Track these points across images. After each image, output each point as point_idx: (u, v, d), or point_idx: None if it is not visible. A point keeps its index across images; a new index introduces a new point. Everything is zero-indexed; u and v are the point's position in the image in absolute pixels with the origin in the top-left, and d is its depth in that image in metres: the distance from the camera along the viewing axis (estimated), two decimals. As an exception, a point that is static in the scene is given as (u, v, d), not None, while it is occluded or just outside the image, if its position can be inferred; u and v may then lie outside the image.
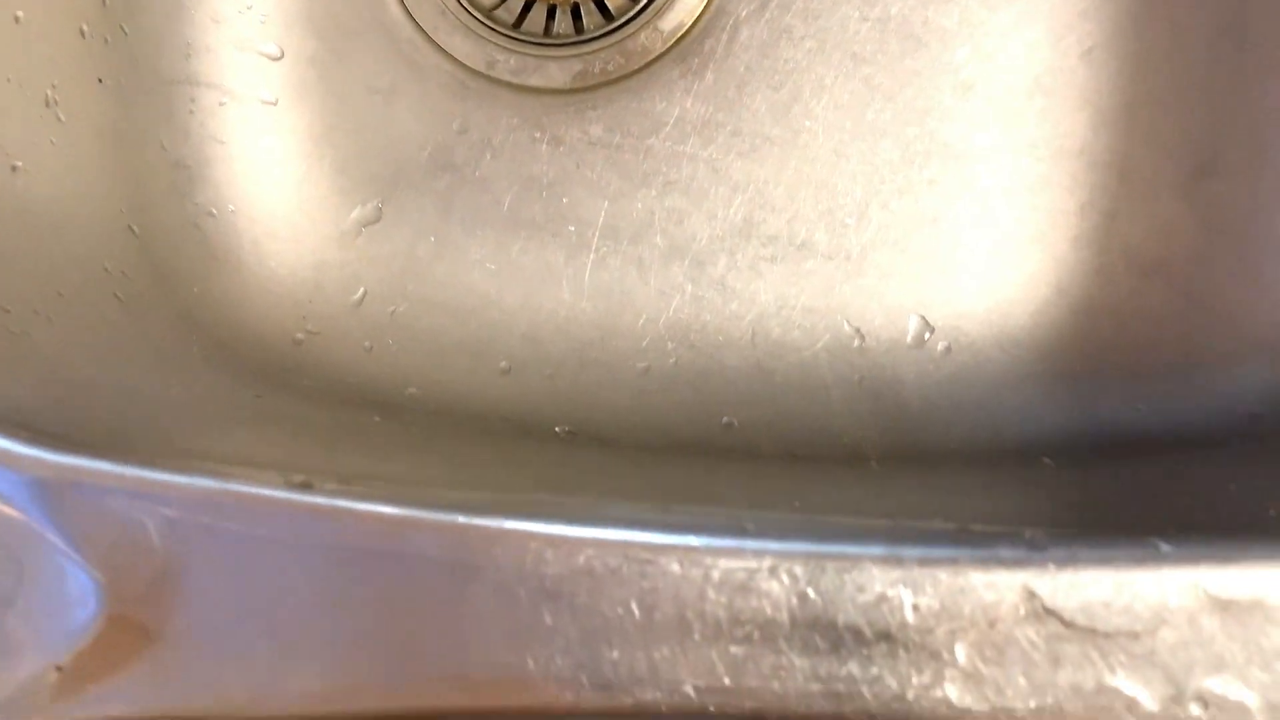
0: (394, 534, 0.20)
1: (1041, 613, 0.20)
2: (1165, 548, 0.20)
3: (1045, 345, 0.39)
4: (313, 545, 0.21)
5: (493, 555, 0.20)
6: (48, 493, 0.21)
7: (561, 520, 0.21)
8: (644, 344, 0.39)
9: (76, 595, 0.20)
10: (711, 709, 0.20)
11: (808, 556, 0.21)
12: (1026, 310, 0.39)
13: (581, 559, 0.20)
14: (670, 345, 0.39)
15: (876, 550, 0.20)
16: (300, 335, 0.38)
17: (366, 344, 0.39)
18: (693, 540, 0.21)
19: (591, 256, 0.40)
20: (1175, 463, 0.33)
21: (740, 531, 0.21)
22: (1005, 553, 0.20)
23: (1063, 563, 0.20)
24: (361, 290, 0.40)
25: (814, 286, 0.39)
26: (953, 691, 0.20)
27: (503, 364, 0.39)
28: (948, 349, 0.39)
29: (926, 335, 0.38)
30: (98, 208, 0.35)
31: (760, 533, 0.21)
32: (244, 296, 0.39)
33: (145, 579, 0.20)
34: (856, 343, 0.39)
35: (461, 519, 0.21)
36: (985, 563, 0.20)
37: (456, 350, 0.40)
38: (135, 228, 0.36)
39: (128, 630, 0.20)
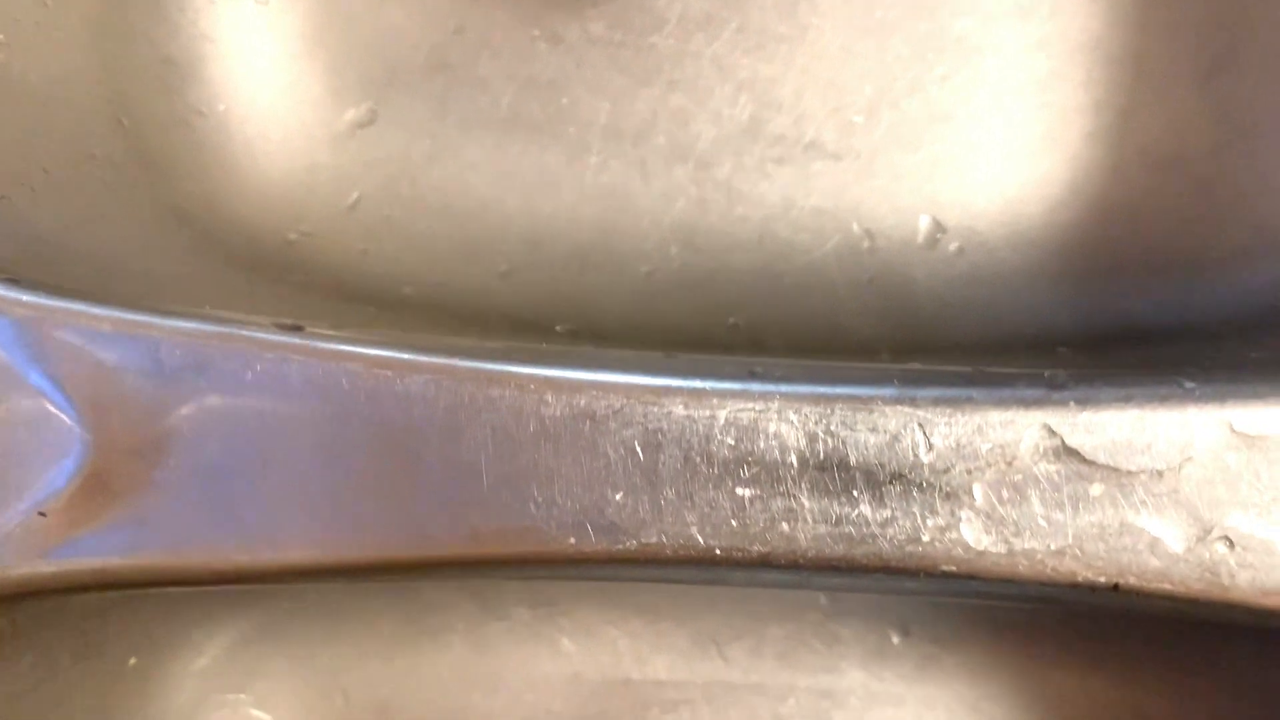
0: (390, 377, 0.20)
1: (1062, 452, 0.19)
2: (1190, 385, 0.20)
3: (1059, 244, 0.38)
4: (306, 389, 0.20)
5: (491, 397, 0.20)
6: (30, 335, 0.20)
7: (562, 365, 0.20)
8: (647, 247, 0.39)
9: (61, 440, 0.20)
10: (718, 553, 0.19)
11: (817, 398, 0.20)
12: (1040, 209, 0.38)
13: (583, 401, 0.20)
14: (674, 249, 0.39)
15: (889, 391, 0.20)
16: (293, 236, 0.38)
17: (361, 246, 0.38)
18: (698, 383, 0.20)
19: (593, 159, 0.39)
20: (1192, 347, 0.32)
21: (748, 376, 0.20)
22: (1024, 392, 0.20)
23: (1084, 401, 0.20)
24: (356, 193, 0.39)
25: (822, 187, 0.38)
26: (969, 533, 0.19)
27: (502, 267, 0.38)
28: (960, 249, 0.38)
29: (938, 236, 0.37)
30: (85, 95, 0.34)
31: (768, 376, 0.20)
32: (235, 195, 0.38)
33: (132, 423, 0.20)
34: (866, 244, 0.38)
35: (459, 362, 0.20)
36: (1003, 402, 0.19)
37: (454, 253, 0.39)
38: (124, 120, 0.35)
39: (114, 476, 0.20)
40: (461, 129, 0.39)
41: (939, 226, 0.37)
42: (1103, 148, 0.37)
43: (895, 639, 0.37)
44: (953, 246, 0.37)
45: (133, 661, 0.34)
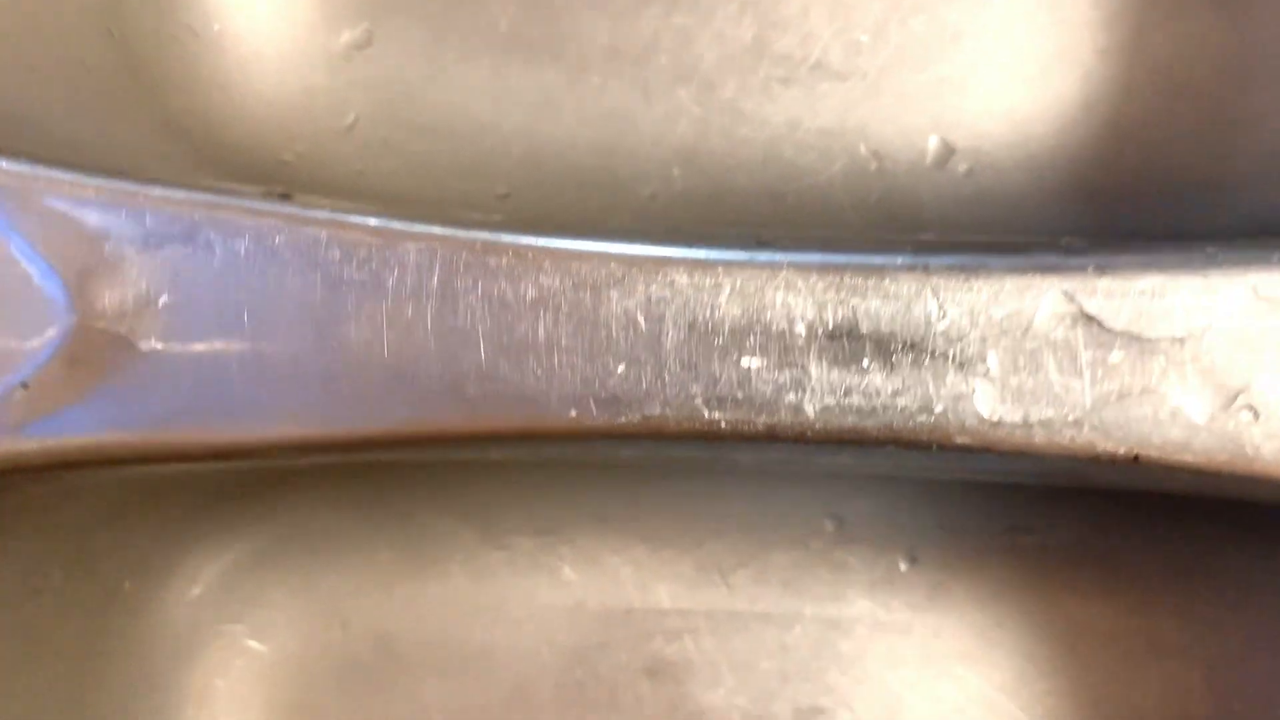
0: (383, 245, 0.19)
1: (1080, 318, 0.18)
2: (1212, 249, 0.19)
3: (1071, 165, 0.37)
4: (296, 258, 0.19)
5: (488, 266, 0.19)
6: (13, 203, 0.19)
7: (561, 234, 0.19)
8: (649, 169, 0.38)
9: (44, 311, 0.19)
10: (723, 426, 0.19)
11: (826, 267, 0.19)
12: (1050, 129, 0.37)
13: (584, 270, 0.19)
14: (676, 171, 0.38)
15: (901, 259, 0.19)
16: (289, 157, 0.37)
17: (358, 168, 0.38)
18: (703, 253, 0.19)
19: (593, 79, 0.38)
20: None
21: (755, 245, 0.19)
22: (1041, 258, 0.19)
23: (1103, 268, 0.19)
24: (352, 115, 0.38)
25: (829, 109, 0.37)
26: (984, 403, 0.18)
27: (501, 189, 0.38)
28: (969, 170, 0.37)
29: (947, 157, 0.37)
30: (76, 6, 0.34)
31: (776, 245, 0.19)
32: (230, 115, 0.37)
33: (117, 293, 0.19)
34: (874, 166, 0.37)
35: (455, 231, 0.19)
36: (1020, 269, 0.19)
37: (452, 176, 0.38)
38: (113, 30, 0.34)
39: (99, 348, 0.19)
40: (459, 50, 0.38)
41: (947, 147, 0.37)
42: (1114, 66, 0.36)
43: (903, 566, 0.36)
44: (961, 168, 0.37)
45: (127, 585, 0.34)
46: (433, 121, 0.39)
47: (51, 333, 0.19)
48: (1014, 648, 0.36)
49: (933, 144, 0.37)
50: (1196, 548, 0.35)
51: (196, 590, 0.36)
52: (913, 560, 0.36)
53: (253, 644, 0.36)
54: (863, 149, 0.37)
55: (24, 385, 0.19)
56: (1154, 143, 0.36)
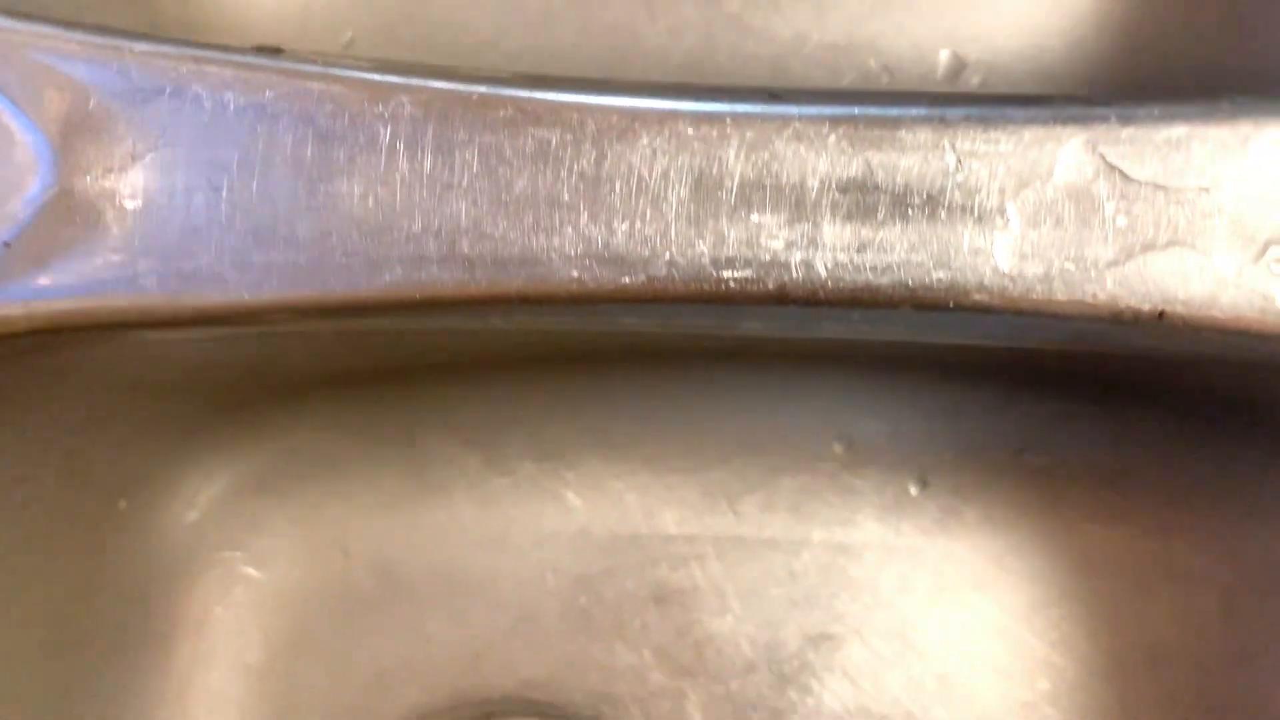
0: (376, 98, 0.18)
1: (1103, 169, 0.18)
2: (1240, 99, 0.18)
3: (1083, 78, 0.36)
4: (287, 114, 0.18)
5: (486, 120, 0.18)
6: (-8, 59, 0.18)
7: (563, 90, 0.19)
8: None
9: (28, 168, 0.18)
10: (731, 285, 0.18)
11: (839, 119, 0.18)
12: (1063, 42, 0.36)
13: (586, 122, 0.18)
14: (682, 88, 0.37)
15: (918, 111, 0.18)
16: (287, 72, 0.36)
17: (357, 85, 0.37)
18: (710, 106, 0.18)
19: (597, -6, 0.37)
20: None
21: (766, 99, 0.18)
22: (1063, 109, 0.18)
23: (1126, 118, 0.18)
24: (350, 33, 0.37)
25: (837, 22, 0.37)
26: (1003, 257, 0.18)
27: (503, 108, 0.37)
28: (981, 84, 0.36)
29: (958, 71, 0.36)
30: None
31: (788, 99, 0.18)
32: (225, 33, 0.37)
33: (103, 150, 0.18)
34: (885, 79, 0.36)
35: (451, 84, 0.18)
36: (1041, 119, 0.18)
37: (453, 93, 0.37)
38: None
39: (83, 207, 0.18)
40: (460, -35, 0.37)
41: (959, 61, 0.36)
42: (1128, -24, 0.35)
43: (913, 490, 0.35)
44: (974, 80, 0.36)
45: (123, 504, 0.33)
46: (432, 40, 0.38)
47: (35, 191, 0.18)
48: (1026, 573, 0.35)
49: (944, 58, 0.36)
50: (1211, 470, 0.34)
51: (194, 514, 0.35)
52: (923, 484, 0.35)
53: (251, 572, 0.36)
54: (872, 63, 0.36)
55: (6, 245, 0.18)
56: (1168, 54, 0.36)
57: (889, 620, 0.35)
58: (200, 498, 0.35)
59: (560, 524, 0.36)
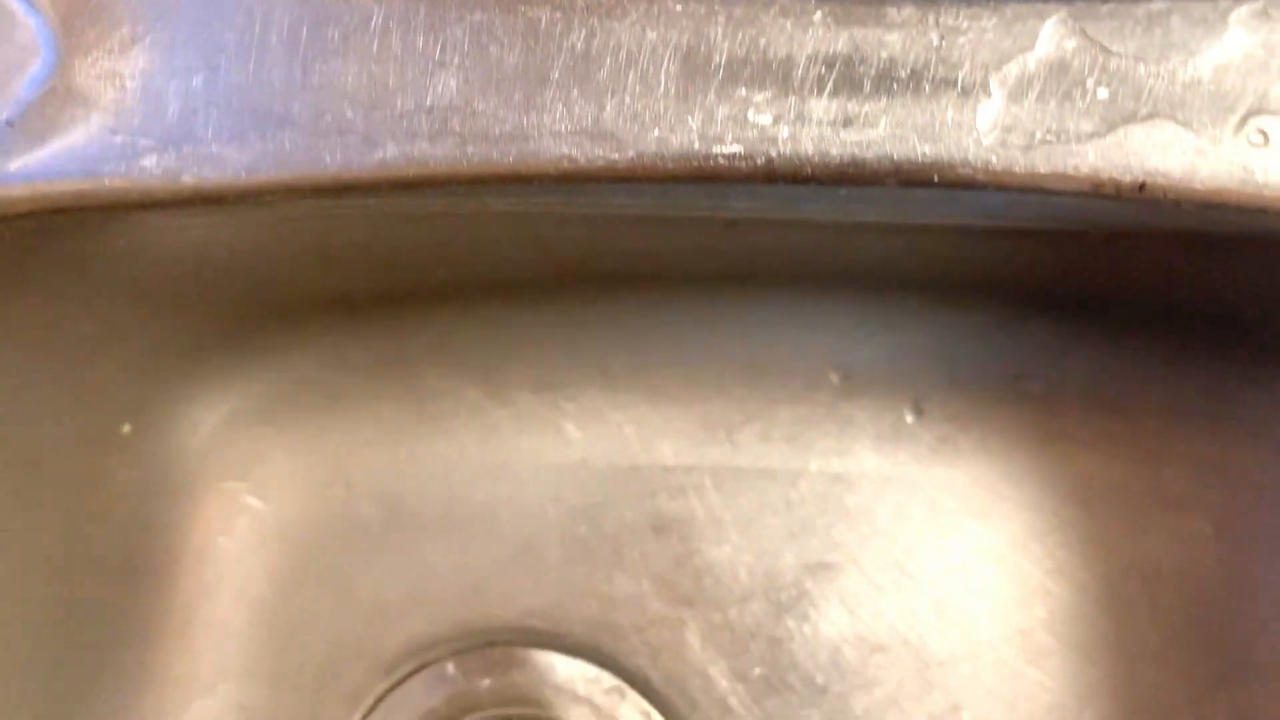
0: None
1: (1085, 43, 0.18)
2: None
3: None
4: (282, -3, 0.19)
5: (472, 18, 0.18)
6: (-7, -57, 0.19)
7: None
8: None
9: (28, 48, 0.19)
10: (721, 161, 0.18)
11: (825, -3, 0.18)
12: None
13: None
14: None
15: (900, -10, 0.18)
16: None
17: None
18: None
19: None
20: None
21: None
22: (1043, -14, 0.18)
23: (1107, -6, 0.18)
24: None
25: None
26: (987, 131, 0.18)
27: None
28: None
29: None
30: None
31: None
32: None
33: (103, 31, 0.19)
34: None
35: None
36: (1022, -4, 0.18)
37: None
38: None
39: (84, 87, 0.19)
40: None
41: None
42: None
43: (909, 418, 0.35)
44: None
45: (127, 428, 0.33)
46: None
47: (36, 71, 0.19)
48: (1022, 500, 0.35)
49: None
50: (1205, 397, 0.34)
51: (197, 443, 0.35)
52: (919, 412, 0.36)
53: (254, 502, 0.36)
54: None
55: (9, 124, 0.19)
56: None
57: (885, 549, 0.35)
58: (203, 426, 0.35)
59: (560, 455, 0.36)
